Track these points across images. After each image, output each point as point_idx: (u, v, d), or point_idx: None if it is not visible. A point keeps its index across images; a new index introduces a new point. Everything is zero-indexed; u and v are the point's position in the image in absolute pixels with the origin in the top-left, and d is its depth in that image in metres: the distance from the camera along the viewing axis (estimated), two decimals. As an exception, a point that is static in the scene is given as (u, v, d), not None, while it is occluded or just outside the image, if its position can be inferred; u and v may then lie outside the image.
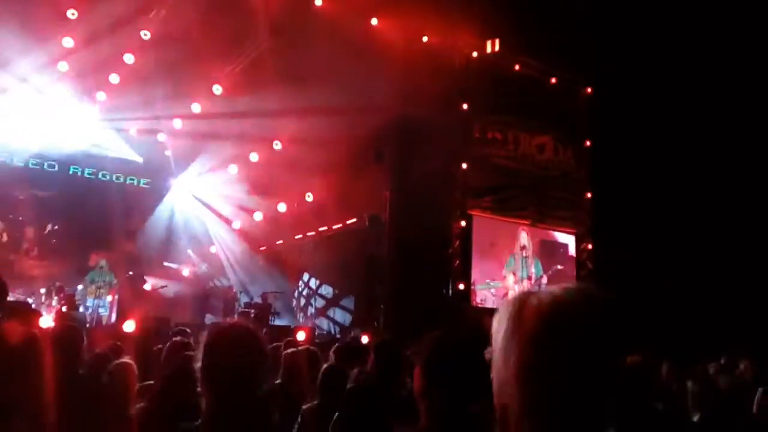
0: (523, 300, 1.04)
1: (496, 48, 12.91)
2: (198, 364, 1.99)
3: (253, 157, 13.35)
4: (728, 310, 10.23)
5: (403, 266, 11.56)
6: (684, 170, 11.47)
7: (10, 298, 9.98)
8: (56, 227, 13.39)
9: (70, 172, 13.70)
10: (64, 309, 10.27)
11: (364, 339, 7.86)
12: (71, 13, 11.06)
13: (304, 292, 14.09)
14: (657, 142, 11.74)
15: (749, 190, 10.99)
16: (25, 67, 11.32)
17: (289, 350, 4.19)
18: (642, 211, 11.90)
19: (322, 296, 13.57)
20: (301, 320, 12.84)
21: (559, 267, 13.37)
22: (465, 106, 12.64)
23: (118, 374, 3.45)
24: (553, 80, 13.78)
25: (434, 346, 1.76)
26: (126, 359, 3.73)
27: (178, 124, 13.12)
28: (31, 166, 13.28)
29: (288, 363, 4.00)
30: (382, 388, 3.13)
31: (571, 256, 13.71)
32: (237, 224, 14.20)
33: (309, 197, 13.40)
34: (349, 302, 12.84)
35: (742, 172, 11.21)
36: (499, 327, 1.05)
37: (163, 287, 12.42)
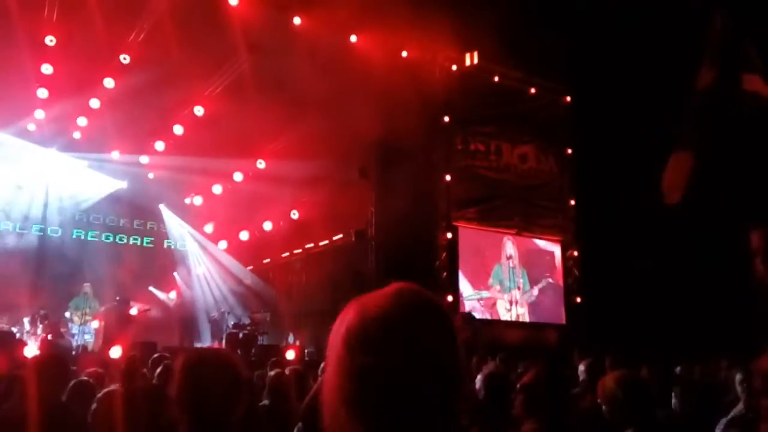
0: (347, 309, 1.08)
1: (475, 60, 13.05)
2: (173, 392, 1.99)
3: (237, 176, 13.33)
4: (711, 314, 10.30)
5: (391, 280, 11.51)
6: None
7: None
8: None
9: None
10: (49, 337, 10.13)
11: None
12: (49, 40, 11.02)
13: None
14: (637, 147, 11.87)
15: (733, 192, 11.10)
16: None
17: (274, 371, 4.15)
18: (626, 216, 12.00)
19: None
20: (290, 340, 12.75)
21: (549, 280, 13.40)
22: (446, 119, 12.75)
23: (103, 403, 3.40)
24: (533, 90, 13.94)
25: None
26: (114, 387, 3.68)
27: (160, 146, 13.08)
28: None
29: (274, 384, 3.96)
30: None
31: (558, 264, 13.78)
32: (223, 244, 14.14)
33: (295, 215, 13.38)
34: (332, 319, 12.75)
35: (725, 175, 11.34)
36: (330, 337, 1.07)
37: (147, 310, 12.30)
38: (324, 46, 11.27)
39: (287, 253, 14.09)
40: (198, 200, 14.11)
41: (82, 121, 12.61)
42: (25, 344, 9.25)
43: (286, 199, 13.09)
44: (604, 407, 2.92)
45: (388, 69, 11.70)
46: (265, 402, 3.92)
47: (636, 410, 2.86)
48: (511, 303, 12.86)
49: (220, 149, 12.58)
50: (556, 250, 13.84)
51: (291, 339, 12.04)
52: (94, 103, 12.05)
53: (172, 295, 13.89)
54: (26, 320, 10.83)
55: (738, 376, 3.49)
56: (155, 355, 5.42)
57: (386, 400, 0.96)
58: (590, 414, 3.61)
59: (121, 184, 13.99)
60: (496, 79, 13.47)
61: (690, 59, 11.02)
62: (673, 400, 3.76)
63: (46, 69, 11.35)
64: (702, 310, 10.48)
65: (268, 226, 13.59)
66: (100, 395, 3.48)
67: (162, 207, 14.45)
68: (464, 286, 12.39)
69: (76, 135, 12.93)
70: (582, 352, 7.41)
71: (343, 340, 1.02)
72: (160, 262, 14.45)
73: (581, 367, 4.18)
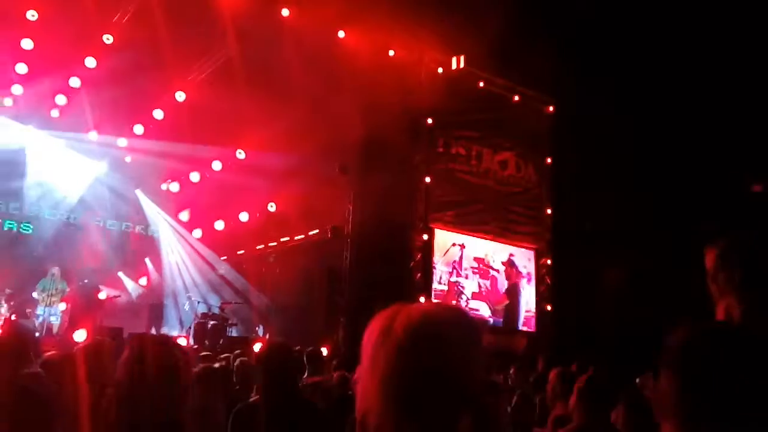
0: (395, 313, 1.11)
1: (461, 65, 13.13)
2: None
3: (216, 165, 13.22)
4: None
5: (365, 278, 11.56)
6: (640, 188, 11.77)
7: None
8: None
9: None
10: (13, 318, 9.95)
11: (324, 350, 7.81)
12: (31, 15, 10.82)
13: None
14: (614, 161, 12.04)
15: (705, 202, 11.29)
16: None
17: (240, 360, 4.24)
18: (601, 226, 12.17)
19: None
20: (260, 332, 12.68)
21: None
22: (430, 121, 12.79)
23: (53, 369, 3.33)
24: (516, 98, 14.05)
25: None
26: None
27: (139, 130, 12.92)
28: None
29: (240, 372, 4.05)
30: None
31: (523, 271, 13.87)
32: (198, 233, 14.01)
33: (272, 207, 13.31)
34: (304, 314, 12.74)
35: (696, 187, 11.56)
36: (368, 338, 1.12)
37: (116, 296, 12.15)
38: (311, 39, 11.23)
39: (262, 246, 14.01)
40: (174, 187, 13.96)
41: (60, 99, 12.40)
42: (-12, 323, 9.08)
43: (264, 191, 13.02)
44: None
45: (374, 67, 11.70)
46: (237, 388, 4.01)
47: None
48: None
49: (199, 137, 12.46)
50: (531, 257, 13.96)
51: (260, 331, 11.99)
52: (74, 81, 11.87)
53: (143, 281, 13.73)
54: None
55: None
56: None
57: (437, 397, 1.04)
58: (559, 422, 3.65)
59: (101, 167, 13.73)
60: (481, 84, 13.56)
61: (669, 75, 11.25)
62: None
63: (27, 44, 11.15)
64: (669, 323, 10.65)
65: (244, 217, 13.50)
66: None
67: (138, 192, 14.27)
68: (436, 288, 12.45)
69: (54, 113, 12.71)
70: (547, 359, 7.51)
71: (396, 341, 1.07)
72: (133, 248, 14.27)
73: (551, 375, 4.22)
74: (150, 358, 1.98)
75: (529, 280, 13.78)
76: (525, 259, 13.88)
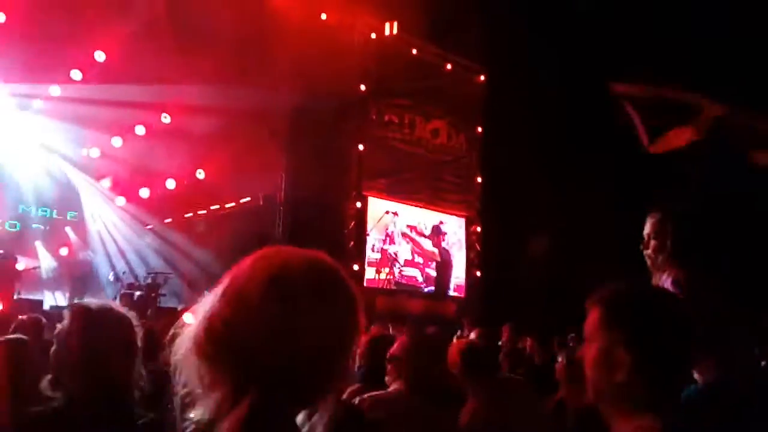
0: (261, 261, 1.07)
1: (395, 31, 13.03)
2: (53, 349, 1.88)
3: (140, 129, 12.63)
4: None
5: (298, 246, 11.45)
6: (566, 156, 12.12)
7: None
8: None
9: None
10: None
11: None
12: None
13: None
14: (543, 131, 12.35)
15: (630, 180, 11.76)
16: None
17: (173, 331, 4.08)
18: (527, 196, 12.52)
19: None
20: (189, 303, 12.42)
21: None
22: (363, 87, 12.67)
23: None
24: (449, 66, 14.10)
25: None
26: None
27: (55, 91, 12.13)
28: None
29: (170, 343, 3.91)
30: None
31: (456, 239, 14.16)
32: (121, 201, 13.43)
33: (200, 174, 12.90)
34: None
35: (623, 161, 12.01)
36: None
37: (35, 268, 11.55)
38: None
39: (191, 214, 13.61)
40: (95, 152, 13.25)
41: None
42: None
43: (192, 158, 12.58)
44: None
45: (305, 30, 11.43)
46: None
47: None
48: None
49: (121, 99, 11.84)
50: (461, 224, 14.23)
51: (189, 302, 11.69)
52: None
53: (63, 251, 13.10)
54: None
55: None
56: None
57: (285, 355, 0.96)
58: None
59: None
60: (414, 51, 13.52)
61: (603, 44, 11.50)
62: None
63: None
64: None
65: (171, 184, 13.03)
66: None
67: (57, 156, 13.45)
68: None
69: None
70: (472, 323, 7.74)
71: (257, 289, 0.99)
72: (50, 215, 13.53)
73: (472, 335, 4.38)
74: (104, 330, 1.87)
75: (459, 247, 14.08)
76: (456, 227, 14.15)
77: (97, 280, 12.48)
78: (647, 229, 3.03)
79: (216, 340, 0.99)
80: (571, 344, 5.89)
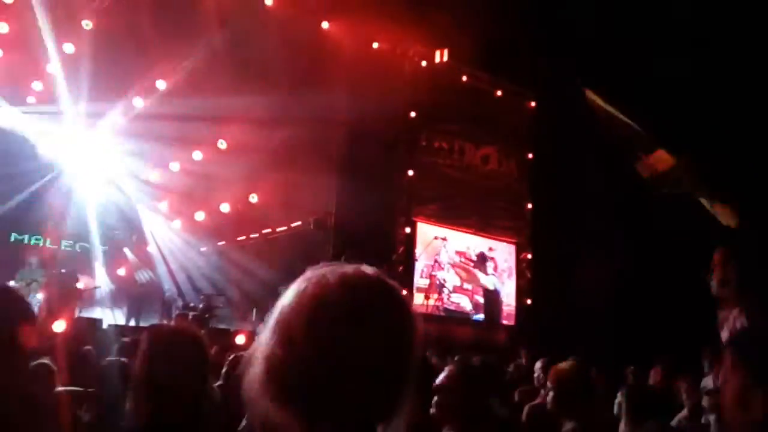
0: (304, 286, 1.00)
1: (445, 58, 13.15)
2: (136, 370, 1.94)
3: (197, 155, 13.05)
4: (664, 318, 10.65)
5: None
6: (618, 184, 11.87)
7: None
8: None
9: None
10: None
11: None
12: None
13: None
14: (594, 157, 12.16)
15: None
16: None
17: (233, 355, 4.14)
18: (578, 222, 12.31)
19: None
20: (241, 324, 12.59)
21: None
22: (413, 114, 12.79)
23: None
24: (499, 93, 14.11)
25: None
26: (44, 360, 3.54)
27: (118, 119, 12.67)
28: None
29: (230, 367, 3.94)
30: None
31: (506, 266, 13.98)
32: (177, 224, 13.84)
33: (253, 199, 13.20)
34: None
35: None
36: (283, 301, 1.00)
37: (96, 288, 11.96)
38: (295, 30, 11.16)
39: (243, 237, 13.90)
40: (154, 176, 13.73)
41: (37, 85, 12.11)
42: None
43: (245, 183, 12.90)
44: (550, 393, 2.94)
45: (357, 59, 11.67)
46: (220, 383, 3.90)
47: (580, 403, 2.91)
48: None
49: (181, 127, 12.28)
50: (511, 251, 14.06)
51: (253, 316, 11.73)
52: (52, 67, 11.60)
53: (121, 271, 13.54)
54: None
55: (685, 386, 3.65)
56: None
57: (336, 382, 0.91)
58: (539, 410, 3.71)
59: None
60: (464, 78, 13.60)
61: (658, 72, 11.33)
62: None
63: (2, 27, 10.89)
64: (647, 318, 10.85)
65: (225, 208, 13.37)
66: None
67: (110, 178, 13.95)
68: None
69: (31, 100, 12.40)
70: (530, 351, 7.59)
71: (301, 317, 0.95)
72: (110, 236, 14.03)
73: (537, 365, 4.27)
74: (177, 352, 1.93)
75: (509, 274, 13.90)
76: (506, 253, 13.99)
77: (154, 301, 12.80)
78: (714, 262, 3.05)
79: (276, 380, 0.94)
80: (630, 377, 5.59)
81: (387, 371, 0.94)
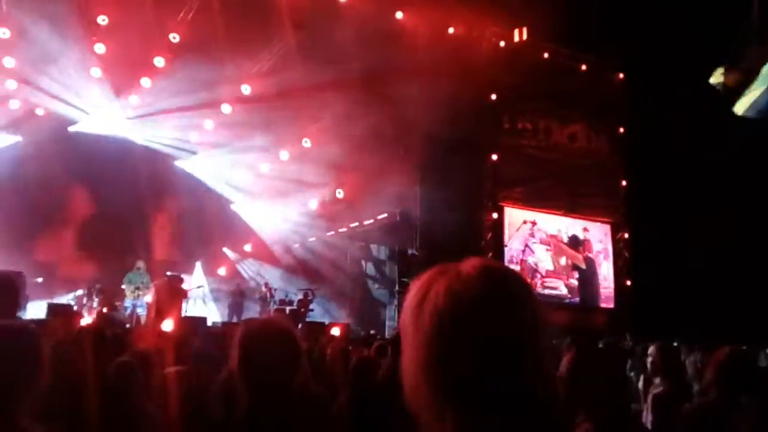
0: (425, 289, 0.97)
1: (524, 36, 12.77)
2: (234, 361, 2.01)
3: (283, 155, 13.41)
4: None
5: (435, 260, 11.42)
6: (720, 156, 11.10)
7: (55, 300, 10.30)
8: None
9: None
10: (104, 310, 10.48)
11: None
12: (102, 19, 11.26)
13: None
14: (691, 126, 11.41)
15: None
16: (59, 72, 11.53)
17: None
18: (678, 198, 11.62)
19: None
20: (335, 317, 12.87)
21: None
22: (494, 97, 12.52)
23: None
24: (584, 67, 13.54)
25: None
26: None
27: (209, 125, 13.24)
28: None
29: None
30: None
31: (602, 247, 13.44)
32: (274, 220, 14.27)
33: (339, 194, 13.41)
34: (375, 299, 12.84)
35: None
36: (405, 313, 0.98)
37: (199, 287, 12.58)
38: (369, 23, 11.18)
39: (332, 232, 14.17)
40: (248, 175, 14.22)
41: (134, 99, 12.83)
42: (81, 316, 9.60)
43: (331, 178, 13.12)
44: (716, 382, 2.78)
45: (434, 46, 11.54)
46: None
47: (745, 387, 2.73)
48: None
49: (266, 128, 12.66)
50: (606, 231, 13.50)
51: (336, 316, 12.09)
52: (146, 81, 12.26)
53: (221, 271, 14.16)
54: (80, 292, 11.24)
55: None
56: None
57: (478, 383, 0.90)
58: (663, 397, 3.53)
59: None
60: (546, 55, 13.14)
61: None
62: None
63: (99, 48, 11.60)
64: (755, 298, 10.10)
65: (313, 204, 13.67)
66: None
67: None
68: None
69: (130, 113, 13.12)
70: (635, 335, 7.25)
71: (433, 320, 0.93)
72: (209, 237, 14.67)
73: (651, 350, 4.00)
74: (269, 344, 1.99)
75: (606, 256, 13.35)
76: (601, 234, 13.45)
77: (254, 297, 13.29)
78: None
79: (434, 374, 0.93)
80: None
81: (532, 356, 0.93)
